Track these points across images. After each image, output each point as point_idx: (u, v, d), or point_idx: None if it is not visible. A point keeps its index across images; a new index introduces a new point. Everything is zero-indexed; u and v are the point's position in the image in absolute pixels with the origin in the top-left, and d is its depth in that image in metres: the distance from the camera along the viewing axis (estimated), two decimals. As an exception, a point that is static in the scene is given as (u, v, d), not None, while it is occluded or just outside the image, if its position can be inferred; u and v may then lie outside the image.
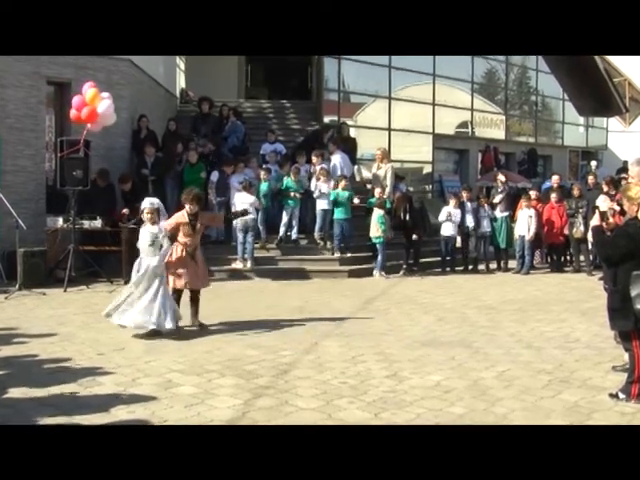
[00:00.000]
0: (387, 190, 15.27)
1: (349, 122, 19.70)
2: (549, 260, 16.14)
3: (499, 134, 25.52)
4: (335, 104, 20.60)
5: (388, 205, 14.81)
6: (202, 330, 9.18)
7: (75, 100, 12.48)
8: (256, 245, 14.40)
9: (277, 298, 11.93)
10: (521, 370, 7.37)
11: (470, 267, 15.48)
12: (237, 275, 13.80)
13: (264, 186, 14.78)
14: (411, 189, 18.94)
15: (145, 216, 8.89)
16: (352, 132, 19.14)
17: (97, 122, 12.50)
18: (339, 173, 15.35)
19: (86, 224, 12.91)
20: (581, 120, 28.87)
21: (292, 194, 14.67)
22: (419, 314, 10.48)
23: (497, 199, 15.66)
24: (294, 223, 14.85)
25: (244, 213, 11.16)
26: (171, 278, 9.14)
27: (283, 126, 19.51)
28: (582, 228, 14.65)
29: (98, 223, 12.92)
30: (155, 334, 8.63)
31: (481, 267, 15.53)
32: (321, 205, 14.75)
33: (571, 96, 24.71)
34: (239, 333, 9.07)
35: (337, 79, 20.59)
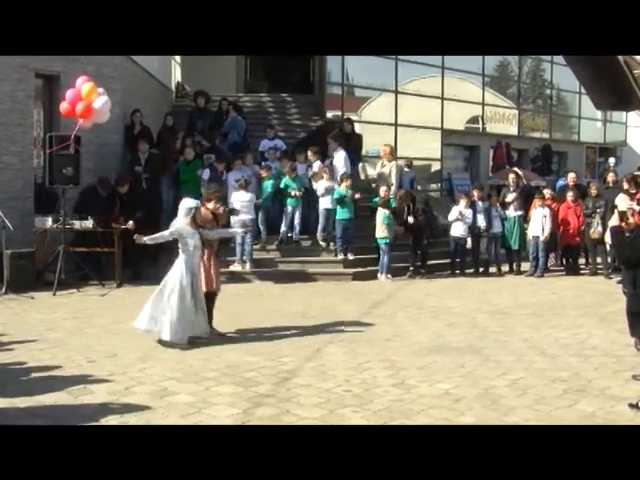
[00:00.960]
0: (392, 189, 15.29)
1: (353, 117, 19.73)
2: (564, 262, 16.13)
3: (511, 130, 25.53)
4: (338, 98, 20.62)
5: (393, 204, 14.82)
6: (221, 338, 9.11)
7: (69, 93, 12.48)
8: (256, 246, 14.42)
9: (278, 302, 11.94)
10: (535, 378, 7.36)
11: (481, 269, 15.48)
12: (235, 278, 13.79)
13: (268, 185, 14.79)
14: (419, 187, 18.94)
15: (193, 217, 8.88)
16: (356, 128, 19.16)
17: (91, 118, 12.51)
18: (340, 172, 15.35)
19: (77, 224, 12.90)
20: (598, 115, 28.87)
21: (293, 193, 14.69)
22: (427, 319, 10.49)
23: (510, 198, 15.66)
24: (296, 223, 14.85)
25: (232, 212, 11.17)
26: (203, 281, 9.12)
27: (284, 121, 19.55)
28: (600, 229, 14.64)
29: (89, 223, 12.91)
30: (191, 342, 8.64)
31: (492, 269, 15.53)
32: (324, 204, 14.76)
33: (588, 89, 24.64)
34: (238, 339, 9.08)
35: (340, 72, 20.61)
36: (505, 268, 15.63)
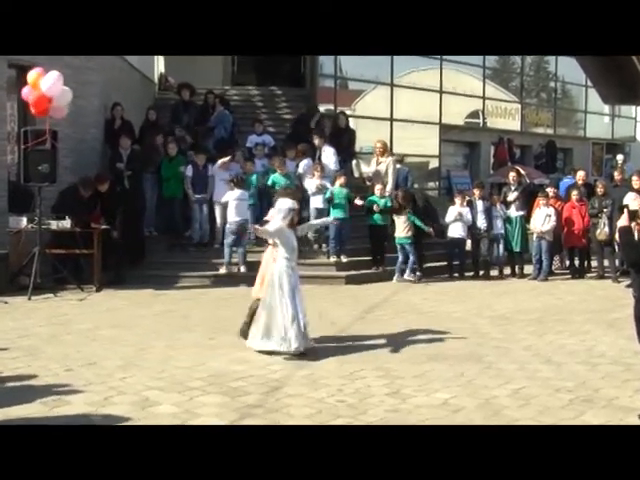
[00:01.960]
0: (388, 187, 15.30)
1: (347, 111, 19.73)
2: (569, 265, 16.15)
3: (514, 125, 25.58)
4: (331, 91, 20.63)
5: (389, 204, 14.82)
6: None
7: (24, 92, 12.38)
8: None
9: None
10: (539, 388, 7.37)
11: (481, 273, 15.49)
12: (223, 281, 13.78)
13: (252, 180, 14.80)
14: (415, 185, 18.93)
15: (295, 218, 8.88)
16: (350, 122, 19.15)
17: (53, 106, 12.32)
18: (330, 169, 15.32)
19: (53, 224, 12.82)
20: (606, 109, 28.95)
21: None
22: (424, 324, 10.48)
23: (512, 197, 15.67)
24: (285, 223, 14.83)
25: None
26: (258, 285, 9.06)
27: (273, 115, 19.55)
28: (607, 229, 14.67)
29: (67, 223, 12.84)
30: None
31: (493, 273, 15.54)
32: (315, 204, 14.75)
33: (595, 82, 24.82)
34: (224, 346, 9.06)
35: (333, 64, 20.63)
36: (507, 271, 15.64)
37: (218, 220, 14.67)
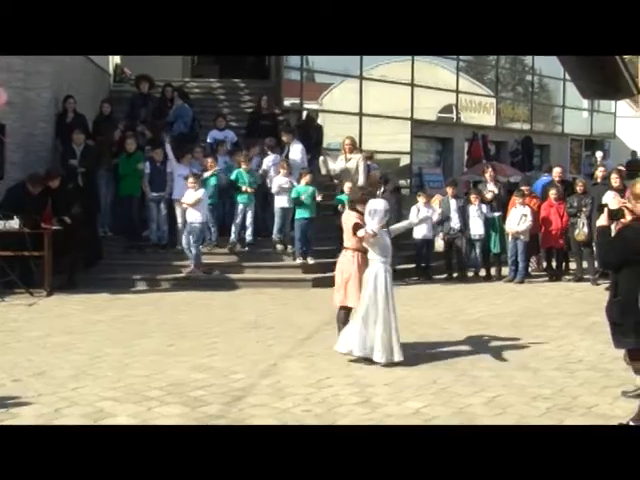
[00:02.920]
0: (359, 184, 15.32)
1: (314, 106, 19.75)
2: (547, 267, 16.26)
3: (489, 120, 25.72)
4: (297, 84, 20.63)
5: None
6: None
7: None
8: (204, 249, 14.38)
9: (229, 311, 11.90)
10: (514, 396, 7.41)
11: (455, 275, 15.56)
12: (182, 285, 13.75)
13: (212, 180, 14.76)
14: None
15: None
16: (317, 118, 19.17)
17: None
18: (298, 167, 15.32)
19: (0, 225, 12.70)
20: (585, 104, 29.19)
21: (244, 188, 14.67)
22: (396, 330, 10.50)
23: (490, 195, 15.75)
24: (248, 223, 14.83)
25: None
26: (354, 293, 8.96)
27: (236, 110, 19.50)
28: (586, 230, 14.78)
29: (15, 223, 12.70)
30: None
31: (469, 275, 15.63)
32: (280, 203, 14.74)
33: (573, 76, 24.96)
34: (184, 353, 9.03)
35: (299, 56, 20.59)
36: (483, 273, 15.72)
37: (179, 220, 14.61)
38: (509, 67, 27.55)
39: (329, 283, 14.25)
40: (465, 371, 8.31)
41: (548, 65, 26.60)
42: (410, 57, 22.73)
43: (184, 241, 14.05)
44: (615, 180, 14.41)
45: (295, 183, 14.70)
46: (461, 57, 24.77)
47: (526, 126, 27.23)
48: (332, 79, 22.06)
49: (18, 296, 12.50)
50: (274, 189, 14.78)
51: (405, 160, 23.12)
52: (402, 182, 22.76)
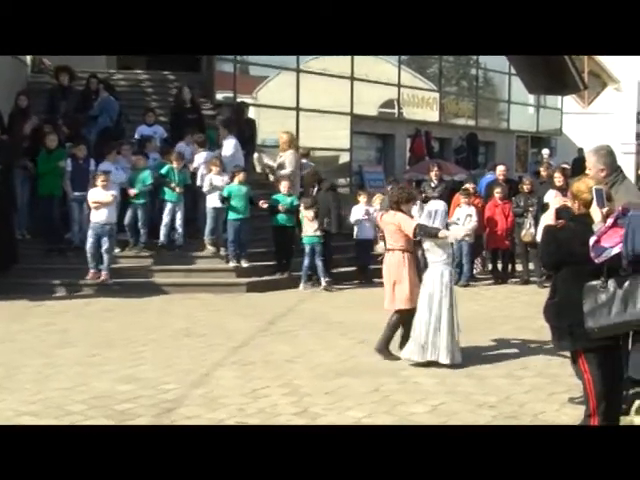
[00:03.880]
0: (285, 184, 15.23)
1: (247, 100, 19.69)
2: (492, 269, 16.43)
3: (432, 115, 25.89)
4: (230, 77, 20.55)
5: (295, 202, 14.87)
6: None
7: None
8: (129, 252, 14.24)
9: (158, 318, 11.84)
10: (459, 403, 7.49)
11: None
12: (108, 290, 13.61)
13: (146, 177, 14.66)
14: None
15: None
16: (251, 112, 19.14)
17: None
18: (231, 164, 15.28)
19: None
20: (531, 99, 29.58)
21: (172, 185, 14.57)
22: (334, 336, 10.55)
23: (435, 193, 15.87)
24: (178, 225, 14.74)
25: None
26: (404, 295, 9.28)
27: (165, 104, 19.35)
28: (532, 230, 14.96)
29: None
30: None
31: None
32: (213, 203, 14.69)
33: (519, 70, 25.24)
34: (109, 363, 8.95)
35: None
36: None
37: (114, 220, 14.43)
38: (453, 60, 27.75)
39: (264, 287, 14.37)
40: (408, 378, 8.38)
41: (493, 59, 26.82)
42: (349, 49, 22.74)
43: (89, 244, 13.81)
44: (558, 179, 14.64)
45: (227, 180, 14.64)
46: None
47: (471, 122, 27.45)
48: (267, 72, 21.99)
49: None
50: (205, 188, 14.71)
51: (344, 157, 23.15)
52: (341, 181, 22.80)
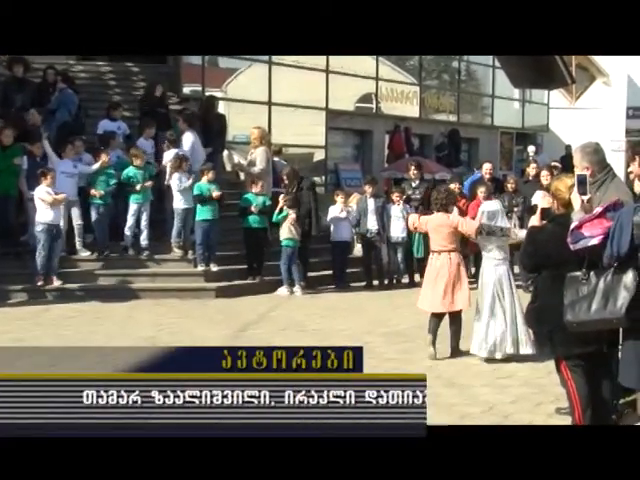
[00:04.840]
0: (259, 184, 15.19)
1: (217, 94, 19.65)
2: (475, 273, 16.41)
3: (412, 111, 25.89)
4: (198, 69, 20.46)
5: (268, 202, 14.86)
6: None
7: None
8: (87, 254, 14.29)
9: (121, 326, 11.81)
10: (442, 414, 7.48)
11: (375, 282, 15.65)
12: (68, 296, 13.55)
13: (109, 175, 14.64)
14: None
15: None
16: (221, 107, 19.09)
17: None
18: (190, 160, 15.22)
19: None
20: (516, 94, 29.67)
21: (138, 187, 14.50)
22: (309, 344, 10.50)
23: (417, 194, 15.90)
24: (143, 226, 14.68)
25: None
26: (465, 295, 10.04)
27: (129, 97, 19.26)
28: (517, 232, 15.00)
29: None
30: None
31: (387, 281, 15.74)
32: (179, 203, 14.64)
33: (503, 63, 25.40)
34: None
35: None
36: (406, 280, 15.84)
37: (61, 222, 14.36)
38: (434, 52, 27.80)
39: (235, 293, 14.32)
40: (386, 389, 8.36)
41: (476, 50, 26.85)
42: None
43: (38, 247, 13.68)
44: (546, 178, 14.67)
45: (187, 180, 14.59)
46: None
47: (453, 117, 27.49)
48: (238, 64, 21.91)
49: None
50: (173, 187, 14.64)
51: (319, 155, 23.12)
52: (316, 179, 22.78)
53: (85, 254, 14.49)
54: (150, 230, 14.79)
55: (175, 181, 14.69)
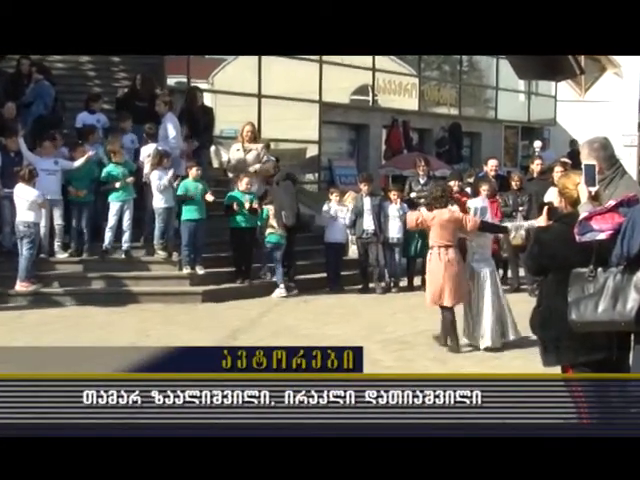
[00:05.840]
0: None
1: (203, 85, 19.67)
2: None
3: (411, 104, 25.91)
4: (183, 60, 20.46)
5: (255, 200, 14.86)
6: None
7: None
8: (65, 255, 14.34)
9: (104, 333, 11.82)
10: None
11: (371, 285, 15.66)
12: (46, 300, 13.56)
13: (91, 171, 14.70)
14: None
15: None
16: (207, 99, 19.10)
17: None
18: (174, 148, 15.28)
19: None
20: (521, 86, 29.71)
21: (117, 185, 14.48)
22: (302, 352, 10.55)
23: (425, 191, 15.93)
24: (125, 226, 14.67)
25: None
26: (465, 289, 10.89)
27: (110, 89, 19.26)
28: (523, 232, 15.02)
29: None
30: None
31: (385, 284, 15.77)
32: (161, 202, 14.66)
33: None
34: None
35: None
36: (405, 283, 15.85)
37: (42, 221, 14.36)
38: (434, 42, 27.77)
39: (222, 296, 14.33)
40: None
41: (479, 40, 26.89)
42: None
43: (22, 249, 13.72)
44: (560, 174, 14.68)
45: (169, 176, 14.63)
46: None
47: (454, 111, 27.51)
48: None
49: None
50: (154, 185, 14.64)
51: (312, 150, 23.12)
52: (309, 176, 22.83)
53: (63, 256, 14.50)
54: (132, 231, 14.76)
55: (155, 179, 14.68)
